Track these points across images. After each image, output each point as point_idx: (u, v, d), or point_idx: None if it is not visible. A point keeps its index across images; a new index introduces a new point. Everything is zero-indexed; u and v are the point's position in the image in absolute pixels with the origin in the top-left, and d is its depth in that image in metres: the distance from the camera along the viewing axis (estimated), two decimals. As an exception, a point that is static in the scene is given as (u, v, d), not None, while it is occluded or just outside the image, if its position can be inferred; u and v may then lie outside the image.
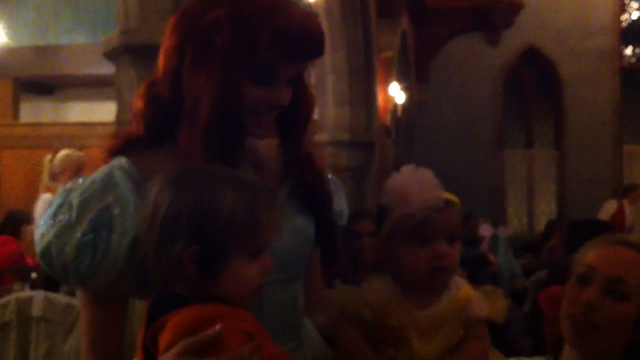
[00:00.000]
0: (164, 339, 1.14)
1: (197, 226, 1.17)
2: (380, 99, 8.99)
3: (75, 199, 1.35)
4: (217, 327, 1.11)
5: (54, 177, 5.75)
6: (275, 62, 1.36)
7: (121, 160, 1.41)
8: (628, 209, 9.21)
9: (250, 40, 1.33)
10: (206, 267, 1.18)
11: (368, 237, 3.06)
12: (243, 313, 1.21)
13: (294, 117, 1.49)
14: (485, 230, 7.77)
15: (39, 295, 3.86)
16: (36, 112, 10.93)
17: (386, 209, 1.56)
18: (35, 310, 3.79)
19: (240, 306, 1.22)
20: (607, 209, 9.08)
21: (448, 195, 1.57)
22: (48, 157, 6.08)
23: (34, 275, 4.93)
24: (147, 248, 1.21)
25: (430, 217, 1.51)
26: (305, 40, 1.37)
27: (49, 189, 5.70)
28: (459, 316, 1.53)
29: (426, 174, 1.56)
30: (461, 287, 1.57)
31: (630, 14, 13.65)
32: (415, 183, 1.54)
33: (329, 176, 1.66)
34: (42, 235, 1.35)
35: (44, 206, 5.75)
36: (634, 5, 13.61)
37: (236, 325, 1.15)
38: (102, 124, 8.12)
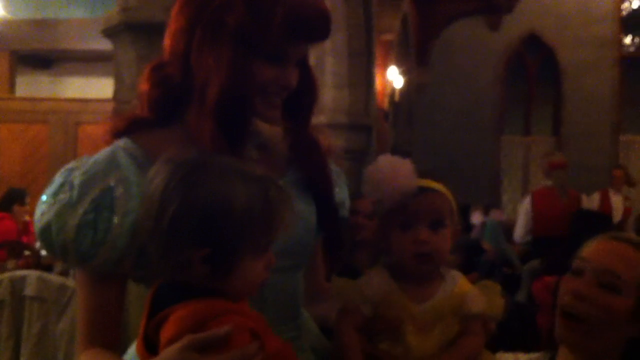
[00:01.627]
0: (167, 331, 1.13)
1: (209, 228, 1.14)
2: (378, 82, 8.95)
3: (77, 179, 1.34)
4: (227, 327, 1.09)
5: None
6: (286, 42, 1.37)
7: (125, 142, 1.40)
8: (614, 197, 7.72)
9: (263, 19, 1.33)
10: (216, 268, 1.16)
11: (364, 216, 3.05)
12: (247, 308, 1.20)
13: (299, 101, 1.49)
14: (476, 218, 7.77)
15: (32, 274, 3.86)
16: (33, 86, 10.86)
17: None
18: (29, 290, 3.79)
19: (244, 298, 1.22)
20: (591, 203, 7.43)
21: (429, 183, 1.57)
22: None
23: (27, 253, 4.92)
24: (154, 245, 1.19)
25: (409, 204, 1.52)
26: (315, 20, 1.38)
27: None
28: (455, 311, 1.53)
29: (400, 163, 1.56)
30: (458, 282, 1.57)
31: (630, 2, 13.63)
32: (388, 171, 1.54)
33: (333, 167, 1.65)
34: (42, 214, 1.34)
35: None
36: (636, -6, 13.58)
37: (241, 322, 1.14)
38: (98, 100, 8.08)
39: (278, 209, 1.19)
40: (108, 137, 1.44)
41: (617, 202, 7.57)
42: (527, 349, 1.90)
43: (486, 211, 9.99)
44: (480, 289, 1.57)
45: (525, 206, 6.43)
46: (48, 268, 4.18)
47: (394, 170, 1.54)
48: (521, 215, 6.43)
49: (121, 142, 1.41)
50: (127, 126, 1.44)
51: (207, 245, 1.14)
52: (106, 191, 1.33)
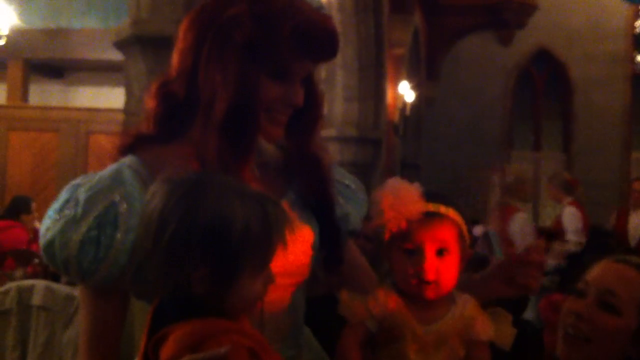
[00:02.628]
0: (165, 350, 1.13)
1: (208, 248, 1.15)
2: (389, 96, 8.96)
3: (82, 195, 1.35)
4: (225, 347, 1.09)
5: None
6: (293, 60, 1.38)
7: (130, 159, 1.41)
8: (633, 215, 7.39)
9: (271, 35, 1.34)
10: (215, 287, 1.16)
11: (364, 238, 3.02)
12: (245, 327, 1.20)
13: (303, 119, 1.49)
14: (477, 230, 7.67)
15: (40, 284, 3.87)
16: (45, 94, 10.94)
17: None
18: (36, 299, 3.80)
19: (242, 315, 1.22)
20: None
21: (437, 207, 1.55)
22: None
23: (36, 261, 4.93)
24: (151, 263, 1.19)
25: (413, 229, 1.51)
26: (323, 39, 1.39)
27: None
28: (461, 335, 1.52)
29: (407, 188, 1.55)
30: (468, 306, 1.56)
31: (644, 19, 13.58)
32: (394, 196, 1.54)
33: (341, 178, 1.65)
34: (47, 229, 1.35)
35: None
36: (649, 11, 13.53)
37: (239, 341, 1.13)
38: (110, 110, 8.12)
39: (277, 227, 1.19)
40: (114, 154, 1.45)
41: (635, 220, 7.30)
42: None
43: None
44: (490, 316, 1.56)
45: (575, 213, 6.69)
46: (55, 276, 4.19)
47: (401, 195, 1.54)
48: (574, 221, 6.62)
49: (127, 159, 1.41)
50: (133, 143, 1.45)
51: (206, 265, 1.15)
52: (110, 207, 1.34)
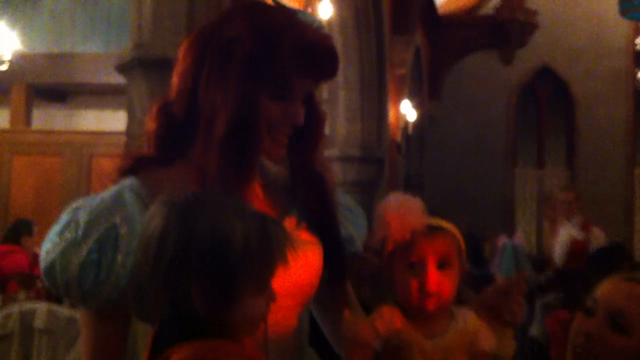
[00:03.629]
0: None
1: (208, 267, 1.14)
2: (391, 115, 8.98)
3: (82, 217, 1.34)
4: None
5: None
6: (293, 79, 1.37)
7: (131, 180, 1.41)
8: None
9: (271, 56, 1.34)
10: (216, 307, 1.15)
11: (371, 251, 3.01)
12: (249, 350, 1.19)
13: (304, 137, 1.49)
14: (500, 241, 7.60)
15: (42, 307, 3.86)
16: (48, 119, 10.97)
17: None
18: (38, 322, 3.79)
19: (246, 336, 1.21)
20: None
21: (439, 221, 1.58)
22: None
23: (39, 284, 4.92)
24: (151, 285, 1.18)
25: (419, 241, 1.52)
26: (323, 59, 1.39)
27: None
28: (465, 349, 1.53)
29: (411, 201, 1.57)
30: (468, 319, 1.57)
31: (645, 36, 13.61)
32: (398, 209, 1.55)
33: (344, 201, 1.65)
34: (48, 252, 1.34)
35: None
36: (649, 28, 13.57)
37: None
38: (113, 133, 8.13)
39: (277, 246, 1.19)
40: (114, 176, 1.44)
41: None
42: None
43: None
44: (492, 328, 1.56)
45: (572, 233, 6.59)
46: (59, 299, 4.18)
47: (404, 208, 1.55)
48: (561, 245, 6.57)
49: (127, 181, 1.41)
50: (134, 165, 1.44)
51: (206, 284, 1.14)
52: (111, 230, 1.33)
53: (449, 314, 1.57)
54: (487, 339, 1.54)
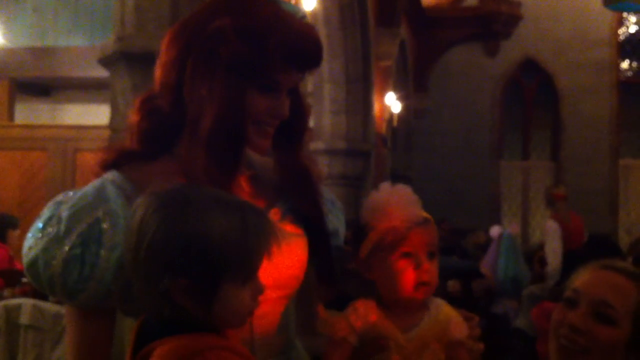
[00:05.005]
0: None
1: (186, 257, 1.13)
2: (376, 108, 8.98)
3: (65, 212, 1.33)
4: None
5: None
6: (279, 72, 1.37)
7: (114, 174, 1.39)
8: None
9: (255, 49, 1.33)
10: (197, 299, 1.14)
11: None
12: (234, 343, 1.18)
13: (290, 129, 1.48)
14: (495, 231, 7.63)
15: (28, 303, 3.84)
16: (32, 113, 10.89)
17: (366, 226, 1.56)
18: (24, 318, 3.77)
19: (233, 330, 1.20)
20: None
21: (424, 213, 1.58)
22: None
23: (24, 280, 4.90)
24: (134, 277, 1.17)
25: (413, 232, 1.52)
26: (308, 49, 1.38)
27: None
28: (440, 338, 1.53)
29: (406, 190, 1.57)
30: (441, 309, 1.58)
31: (628, 27, 13.70)
32: (396, 199, 1.55)
33: (327, 195, 1.64)
34: (30, 248, 1.33)
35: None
36: (632, 19, 13.65)
37: (226, 358, 1.12)
38: (97, 127, 8.09)
39: (258, 237, 1.17)
40: (97, 170, 1.43)
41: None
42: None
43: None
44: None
45: (555, 230, 6.90)
46: (45, 295, 4.15)
47: (402, 197, 1.55)
48: (555, 241, 6.85)
49: (109, 175, 1.39)
50: (116, 158, 1.43)
51: (186, 276, 1.13)
52: (94, 225, 1.31)
53: (423, 305, 1.57)
54: (459, 328, 1.55)
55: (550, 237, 6.95)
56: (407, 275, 1.52)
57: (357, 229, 1.58)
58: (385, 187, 1.58)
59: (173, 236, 1.13)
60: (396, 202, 1.53)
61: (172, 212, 1.15)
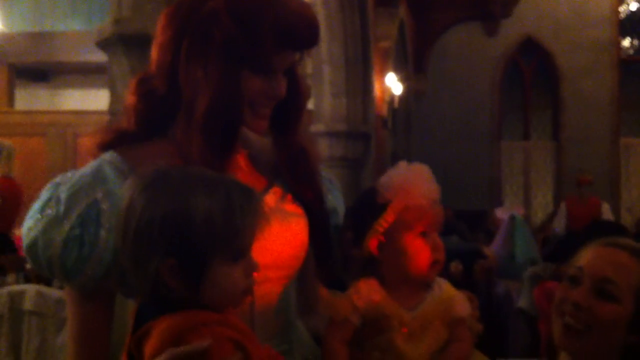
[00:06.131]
0: (149, 345, 1.12)
1: (171, 237, 1.13)
2: (376, 90, 8.95)
3: (63, 193, 1.33)
4: (206, 341, 1.08)
5: None
6: (274, 52, 1.36)
7: (111, 155, 1.39)
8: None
9: (250, 30, 1.33)
10: (187, 279, 1.14)
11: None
12: (230, 318, 1.18)
13: (287, 110, 1.48)
14: (501, 212, 7.64)
15: (31, 289, 3.85)
16: (31, 99, 10.88)
17: (383, 204, 1.55)
18: (28, 304, 3.78)
19: (229, 309, 1.20)
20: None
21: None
22: None
23: (28, 266, 4.90)
24: (124, 259, 1.18)
25: (431, 210, 1.53)
26: (303, 29, 1.37)
27: None
28: (443, 317, 1.54)
29: (423, 168, 1.57)
30: (444, 288, 1.59)
31: (628, 5, 13.63)
32: (416, 177, 1.55)
33: (324, 174, 1.64)
34: (29, 229, 1.33)
35: None
36: (633, -4, 13.59)
37: (222, 333, 1.12)
38: (97, 112, 8.08)
39: (244, 215, 1.17)
40: (94, 151, 1.42)
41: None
42: (529, 356, 1.89)
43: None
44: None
45: (562, 211, 8.05)
46: (49, 281, 4.16)
47: (421, 175, 1.55)
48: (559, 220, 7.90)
49: (107, 156, 1.40)
50: (113, 139, 1.43)
51: (172, 256, 1.13)
52: (92, 205, 1.32)
53: (426, 284, 1.58)
54: (462, 306, 1.56)
55: (557, 217, 7.78)
56: (424, 254, 1.53)
57: (375, 206, 1.57)
58: (404, 165, 1.58)
59: (158, 217, 1.13)
60: (415, 181, 1.54)
61: (156, 193, 1.15)
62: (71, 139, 8.75)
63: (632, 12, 13.63)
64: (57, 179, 1.38)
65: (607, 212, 8.03)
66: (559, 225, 7.97)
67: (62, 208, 1.31)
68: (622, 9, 13.48)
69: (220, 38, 1.33)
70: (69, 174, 1.39)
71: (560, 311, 1.58)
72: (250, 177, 1.43)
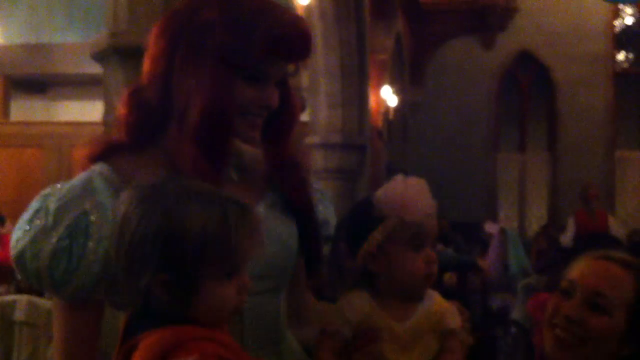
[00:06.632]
0: (137, 359, 1.11)
1: (165, 252, 1.12)
2: (372, 101, 8.97)
3: (52, 204, 1.33)
4: (194, 356, 1.07)
5: None
6: (267, 62, 1.37)
7: (101, 167, 1.39)
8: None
9: (243, 41, 1.34)
10: (178, 294, 1.14)
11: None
12: (219, 334, 1.17)
13: (279, 121, 1.49)
14: (490, 227, 7.67)
15: (22, 299, 3.83)
16: (28, 110, 10.88)
17: (380, 217, 1.55)
18: (19, 315, 3.76)
19: (218, 325, 1.19)
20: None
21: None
22: None
23: (19, 276, 4.89)
24: (118, 271, 1.17)
25: (426, 224, 1.53)
26: (296, 40, 1.38)
27: None
28: (434, 328, 1.54)
29: (421, 183, 1.57)
30: (435, 300, 1.58)
31: (623, 19, 13.69)
32: (413, 192, 1.55)
33: (315, 185, 1.64)
34: (18, 240, 1.33)
35: None
36: (628, 11, 13.64)
37: (210, 349, 1.11)
38: (93, 124, 8.08)
39: (240, 232, 1.16)
40: (85, 162, 1.43)
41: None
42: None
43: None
44: None
45: (570, 226, 7.95)
46: (40, 292, 4.15)
47: (418, 190, 1.55)
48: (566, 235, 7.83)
49: (97, 167, 1.39)
50: (104, 151, 1.43)
51: (165, 270, 1.12)
52: (81, 217, 1.32)
53: (417, 296, 1.57)
54: (452, 317, 1.56)
55: (567, 230, 7.73)
56: (417, 268, 1.53)
57: (369, 219, 1.57)
58: (401, 179, 1.58)
59: (152, 232, 1.12)
60: (413, 196, 1.54)
61: (151, 207, 1.14)
62: (67, 150, 8.75)
63: (627, 26, 13.70)
64: (47, 191, 1.38)
65: (613, 226, 7.94)
66: (567, 240, 7.74)
67: (50, 219, 1.31)
68: (618, 22, 13.55)
69: (214, 47, 1.34)
70: (58, 185, 1.39)
71: (552, 324, 1.58)
72: (242, 188, 1.43)
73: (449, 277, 6.07)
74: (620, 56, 13.69)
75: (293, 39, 1.37)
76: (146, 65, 1.44)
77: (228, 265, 1.16)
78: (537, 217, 13.37)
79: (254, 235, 1.19)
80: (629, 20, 13.73)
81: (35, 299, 3.85)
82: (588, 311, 1.54)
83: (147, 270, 1.12)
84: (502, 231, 7.20)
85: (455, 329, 1.55)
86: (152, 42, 1.43)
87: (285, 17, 1.37)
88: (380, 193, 1.57)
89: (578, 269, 1.61)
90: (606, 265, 1.59)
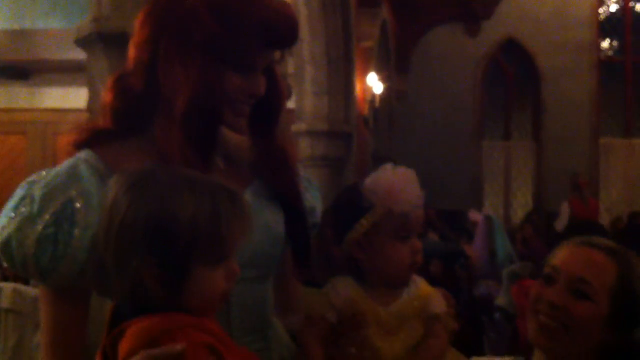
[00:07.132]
0: (123, 346, 1.11)
1: (154, 239, 1.12)
2: (358, 89, 8.96)
3: (37, 192, 1.33)
4: (181, 345, 1.07)
5: None
6: (254, 50, 1.37)
7: (87, 153, 1.39)
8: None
9: (229, 28, 1.33)
10: (167, 281, 1.13)
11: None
12: (207, 322, 1.17)
13: (266, 109, 1.49)
14: (474, 215, 7.70)
15: (8, 286, 3.82)
16: (11, 97, 10.75)
17: (367, 207, 1.56)
18: (4, 302, 3.75)
19: (206, 313, 1.19)
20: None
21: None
22: None
23: (4, 264, 4.86)
24: (106, 258, 1.17)
25: (412, 214, 1.54)
26: (282, 27, 1.38)
27: None
28: (419, 313, 1.56)
29: (409, 173, 1.58)
30: (420, 285, 1.61)
31: (608, 7, 13.73)
32: (401, 182, 1.56)
33: (302, 173, 1.64)
34: (3, 228, 1.33)
35: None
36: (613, -2, 13.69)
37: (197, 337, 1.11)
38: (77, 110, 8.01)
39: (229, 219, 1.16)
40: (70, 149, 1.42)
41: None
42: (508, 353, 1.90)
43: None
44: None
45: (565, 212, 8.28)
46: (26, 279, 4.14)
47: (406, 180, 1.56)
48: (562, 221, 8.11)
49: (82, 154, 1.39)
50: (89, 137, 1.42)
51: (154, 257, 1.12)
52: (67, 204, 1.31)
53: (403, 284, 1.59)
54: (437, 303, 1.58)
55: (561, 217, 8.02)
56: (404, 257, 1.55)
57: (357, 207, 1.57)
58: (389, 168, 1.59)
59: (142, 217, 1.12)
60: (401, 186, 1.55)
61: (141, 193, 1.14)
62: (51, 137, 8.71)
63: (611, 14, 13.74)
64: (32, 178, 1.38)
65: (602, 213, 8.35)
66: (561, 226, 8.00)
67: (36, 207, 1.31)
68: (602, 10, 13.59)
69: (200, 36, 1.33)
70: (43, 173, 1.38)
71: (535, 310, 1.59)
72: (228, 175, 1.43)
73: (435, 265, 6.09)
74: (605, 44, 13.74)
75: (280, 25, 1.37)
76: (131, 51, 1.43)
77: (218, 251, 1.16)
78: (522, 204, 13.44)
79: (244, 222, 1.19)
80: (614, 8, 13.77)
81: (21, 287, 3.84)
82: (571, 297, 1.55)
83: (136, 256, 1.12)
84: (488, 218, 7.23)
85: (439, 314, 1.57)
86: (136, 29, 1.42)
87: (272, 4, 1.37)
88: (368, 182, 1.57)
89: (561, 256, 1.62)
90: (589, 252, 1.60)
